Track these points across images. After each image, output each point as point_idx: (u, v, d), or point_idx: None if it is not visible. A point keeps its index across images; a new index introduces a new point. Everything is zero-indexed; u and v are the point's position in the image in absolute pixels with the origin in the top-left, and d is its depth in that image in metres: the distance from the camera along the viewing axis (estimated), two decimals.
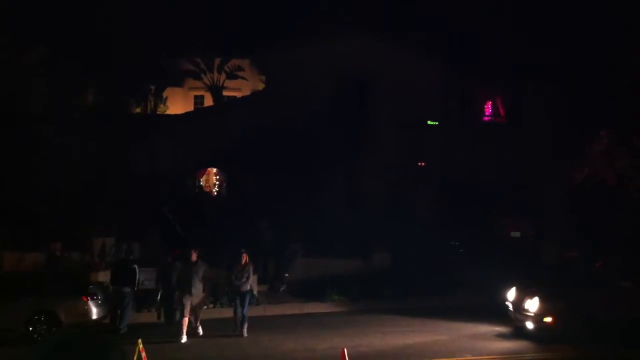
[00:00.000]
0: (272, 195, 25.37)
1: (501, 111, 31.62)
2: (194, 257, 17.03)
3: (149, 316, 18.91)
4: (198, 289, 16.87)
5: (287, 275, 22.76)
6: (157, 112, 35.50)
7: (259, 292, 20.98)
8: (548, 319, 15.60)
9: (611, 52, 25.79)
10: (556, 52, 27.24)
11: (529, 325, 15.88)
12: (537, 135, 28.48)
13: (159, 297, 18.04)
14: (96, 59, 27.11)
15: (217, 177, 34.56)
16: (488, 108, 32.08)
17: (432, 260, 22.70)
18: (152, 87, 35.51)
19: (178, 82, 37.05)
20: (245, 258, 17.25)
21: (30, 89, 23.37)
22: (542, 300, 15.78)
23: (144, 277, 19.50)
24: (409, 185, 28.07)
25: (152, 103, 35.80)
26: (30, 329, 16.62)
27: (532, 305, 15.87)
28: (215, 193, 33.70)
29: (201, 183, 33.83)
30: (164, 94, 36.60)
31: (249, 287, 17.20)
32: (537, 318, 15.70)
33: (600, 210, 24.30)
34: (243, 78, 36.49)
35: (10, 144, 22.71)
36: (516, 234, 26.78)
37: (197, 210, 26.63)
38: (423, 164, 30.20)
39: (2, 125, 22.50)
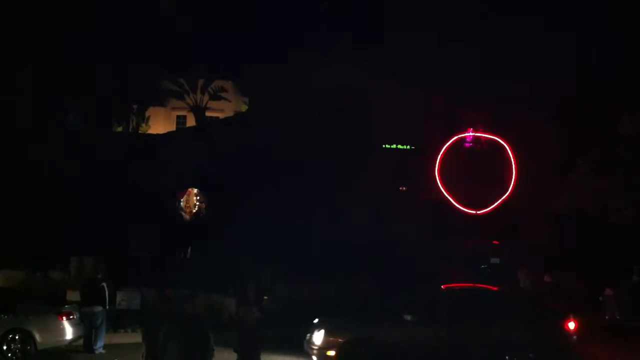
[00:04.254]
0: (253, 217, 25.27)
1: (482, 137, 31.87)
2: (197, 305, 11.37)
3: (126, 337, 18.65)
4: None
5: (266, 297, 22.54)
6: (139, 132, 35.42)
7: None
8: (331, 353, 15.10)
9: (593, 83, 26.23)
10: (537, 82, 27.65)
11: (315, 359, 15.44)
12: (519, 162, 28.80)
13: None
14: (78, 78, 27.08)
15: (198, 197, 34.41)
16: (469, 135, 32.31)
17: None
18: (135, 107, 35.44)
19: (161, 102, 37.05)
20: None
21: (15, 106, 23.22)
22: (326, 333, 15.32)
23: (121, 297, 19.27)
24: (393, 209, 28.10)
25: (134, 122, 35.73)
26: (5, 347, 16.34)
27: (318, 338, 15.37)
28: (195, 214, 33.49)
29: (181, 204, 33.63)
30: (147, 114, 36.58)
31: None
32: (321, 352, 15.20)
33: (580, 237, 24.53)
34: (226, 99, 36.60)
35: None
36: (495, 260, 26.88)
37: (176, 233, 26.40)
38: (404, 188, 30.33)
39: None
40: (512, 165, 29.69)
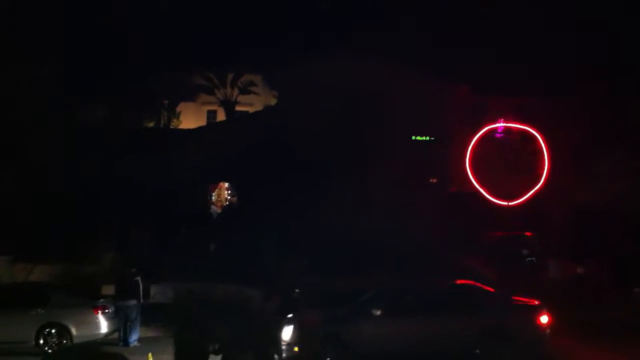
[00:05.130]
0: (281, 209, 25.37)
1: (513, 128, 31.63)
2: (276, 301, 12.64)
3: (160, 330, 18.88)
4: None
5: (297, 291, 22.63)
6: (170, 127, 35.78)
7: None
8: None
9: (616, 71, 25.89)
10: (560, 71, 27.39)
11: (284, 354, 15.34)
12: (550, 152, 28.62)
13: None
14: (109, 73, 27.42)
15: (229, 191, 34.70)
16: (500, 125, 32.09)
17: None
18: (166, 102, 35.81)
19: (191, 97, 37.32)
20: None
21: (31, 101, 23.51)
22: (295, 328, 15.45)
23: (155, 290, 19.53)
24: (417, 200, 28.01)
25: (166, 117, 36.10)
26: (42, 341, 16.73)
27: (286, 334, 15.48)
28: (226, 207, 33.78)
29: (213, 197, 33.94)
30: (177, 109, 36.90)
31: None
32: (289, 347, 15.31)
33: (602, 231, 24.29)
34: (255, 93, 36.74)
35: (14, 157, 22.87)
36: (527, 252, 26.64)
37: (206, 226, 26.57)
38: (435, 180, 30.27)
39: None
40: (544, 155, 29.39)
